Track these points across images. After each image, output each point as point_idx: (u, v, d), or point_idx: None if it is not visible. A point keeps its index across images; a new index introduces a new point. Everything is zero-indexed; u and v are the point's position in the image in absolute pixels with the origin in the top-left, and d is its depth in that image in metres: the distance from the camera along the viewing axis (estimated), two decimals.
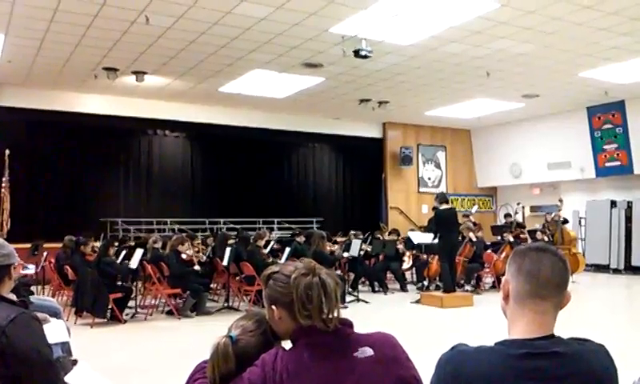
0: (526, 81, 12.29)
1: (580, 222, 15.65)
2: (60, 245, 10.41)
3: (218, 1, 7.91)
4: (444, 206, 10.38)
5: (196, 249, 10.63)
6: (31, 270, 10.34)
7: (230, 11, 8.26)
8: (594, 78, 11.96)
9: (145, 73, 11.41)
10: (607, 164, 15.03)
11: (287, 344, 1.81)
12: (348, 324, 1.81)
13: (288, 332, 1.81)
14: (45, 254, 10.52)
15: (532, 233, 13.07)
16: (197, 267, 9.69)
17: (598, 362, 1.55)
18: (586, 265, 14.47)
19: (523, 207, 15.57)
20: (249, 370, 1.72)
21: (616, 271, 14.57)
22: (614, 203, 15.02)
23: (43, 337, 2.46)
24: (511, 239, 12.16)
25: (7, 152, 11.39)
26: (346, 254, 11.30)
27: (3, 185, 11.44)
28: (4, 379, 2.23)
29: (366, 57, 9.49)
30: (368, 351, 1.75)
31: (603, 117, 14.87)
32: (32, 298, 5.54)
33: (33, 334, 2.38)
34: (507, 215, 15.00)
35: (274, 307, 1.82)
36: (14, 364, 2.23)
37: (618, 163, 14.79)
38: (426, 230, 12.13)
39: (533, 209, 16.84)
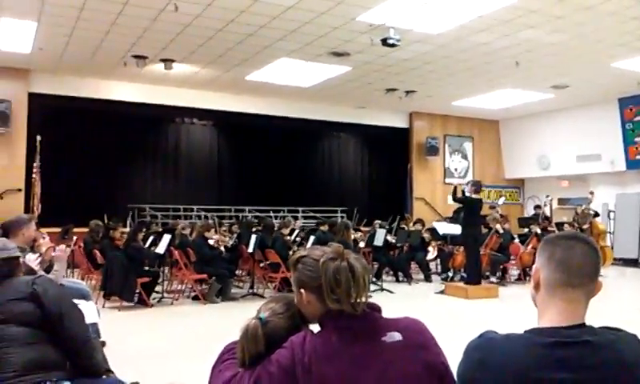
0: (555, 71, 12.09)
1: (609, 215, 15.39)
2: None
3: None
4: (475, 196, 10.23)
5: (222, 236, 10.72)
6: None
7: None
8: (627, 69, 11.71)
9: (173, 61, 11.49)
10: (638, 157, 14.73)
11: (315, 327, 1.82)
12: (376, 309, 1.82)
13: (316, 315, 1.82)
14: (74, 238, 10.72)
15: (559, 225, 12.90)
16: (222, 248, 9.83)
17: (630, 351, 1.52)
18: (615, 259, 14.26)
19: (551, 200, 15.38)
20: (277, 352, 1.74)
21: None
22: None
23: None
24: (538, 231, 12.02)
25: (38, 138, 11.62)
26: (361, 244, 11.29)
27: (34, 170, 11.68)
28: (40, 319, 2.72)
29: (393, 45, 9.43)
30: (396, 336, 1.75)
31: (635, 108, 14.56)
32: (63, 281, 5.66)
33: (57, 285, 3.15)
34: (537, 206, 14.81)
35: (302, 291, 1.83)
36: (48, 303, 2.73)
37: None
38: (451, 220, 12.00)
39: (561, 201, 16.61)
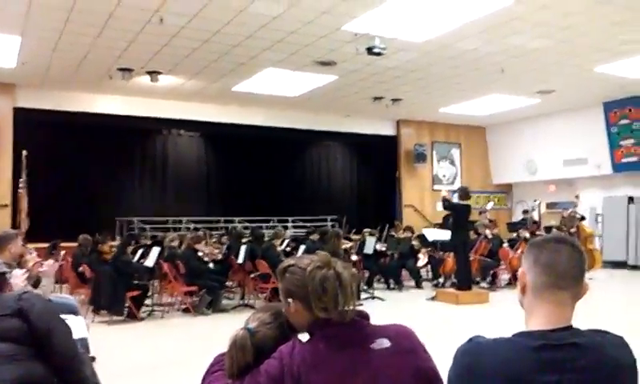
0: (541, 77, 12.19)
1: (597, 218, 15.51)
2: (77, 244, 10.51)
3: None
4: (462, 202, 10.28)
5: (211, 247, 10.69)
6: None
7: (243, 10, 8.29)
8: (610, 73, 11.83)
9: (159, 73, 11.47)
10: (624, 160, 14.86)
11: (304, 336, 1.82)
12: (364, 316, 1.82)
13: (304, 324, 1.82)
14: (62, 252, 10.63)
15: (548, 229, 12.98)
16: (211, 265, 9.76)
17: (617, 354, 1.53)
18: (604, 261, 14.35)
19: (540, 204, 15.47)
20: (266, 362, 1.73)
21: (634, 267, 14.42)
22: (631, 199, 14.88)
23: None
24: (527, 236, 12.08)
25: (24, 153, 11.53)
26: (354, 258, 11.28)
27: (21, 185, 11.57)
28: (27, 335, 2.61)
29: (379, 54, 9.46)
30: (385, 343, 1.75)
31: (620, 112, 14.70)
32: (50, 296, 5.61)
33: (44, 300, 2.97)
34: (525, 211, 14.92)
35: (290, 300, 1.83)
36: (35, 319, 2.63)
37: (635, 159, 14.61)
38: (441, 226, 12.04)
39: (549, 205, 16.72)
